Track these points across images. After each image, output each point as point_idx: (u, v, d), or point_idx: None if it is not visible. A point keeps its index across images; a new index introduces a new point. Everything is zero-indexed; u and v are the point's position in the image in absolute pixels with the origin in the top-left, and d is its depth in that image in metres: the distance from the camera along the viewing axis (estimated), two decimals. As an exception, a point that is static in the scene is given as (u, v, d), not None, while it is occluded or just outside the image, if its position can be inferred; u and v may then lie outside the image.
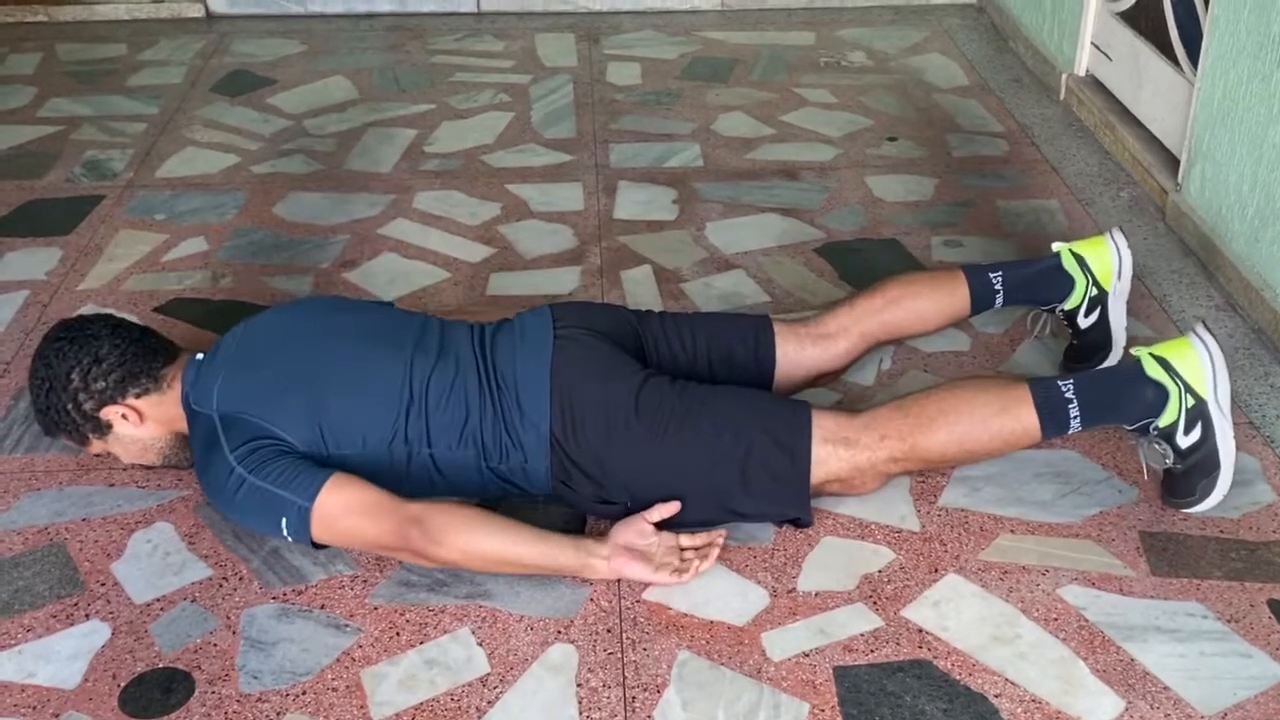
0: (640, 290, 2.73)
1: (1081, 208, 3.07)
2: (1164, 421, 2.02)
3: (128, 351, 2.04)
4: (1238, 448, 2.16)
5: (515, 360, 2.04)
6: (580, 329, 2.09)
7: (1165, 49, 3.13)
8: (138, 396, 2.05)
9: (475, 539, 1.88)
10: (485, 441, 1.99)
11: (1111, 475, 2.17)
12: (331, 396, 1.97)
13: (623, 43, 4.22)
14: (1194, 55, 2.93)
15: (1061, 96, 3.68)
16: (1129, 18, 3.34)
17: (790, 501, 2.00)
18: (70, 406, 2.03)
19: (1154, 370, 2.03)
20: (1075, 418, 2.00)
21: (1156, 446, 2.06)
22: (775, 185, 3.21)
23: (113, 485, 2.17)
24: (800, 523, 2.04)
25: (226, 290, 2.75)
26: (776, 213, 3.07)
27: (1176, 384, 2.01)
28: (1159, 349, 2.05)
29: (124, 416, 2.05)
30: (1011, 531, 2.05)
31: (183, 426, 2.07)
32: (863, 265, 2.82)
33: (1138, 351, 2.07)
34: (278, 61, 4.06)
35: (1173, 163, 3.03)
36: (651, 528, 1.96)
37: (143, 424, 2.06)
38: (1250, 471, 2.18)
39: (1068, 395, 2.01)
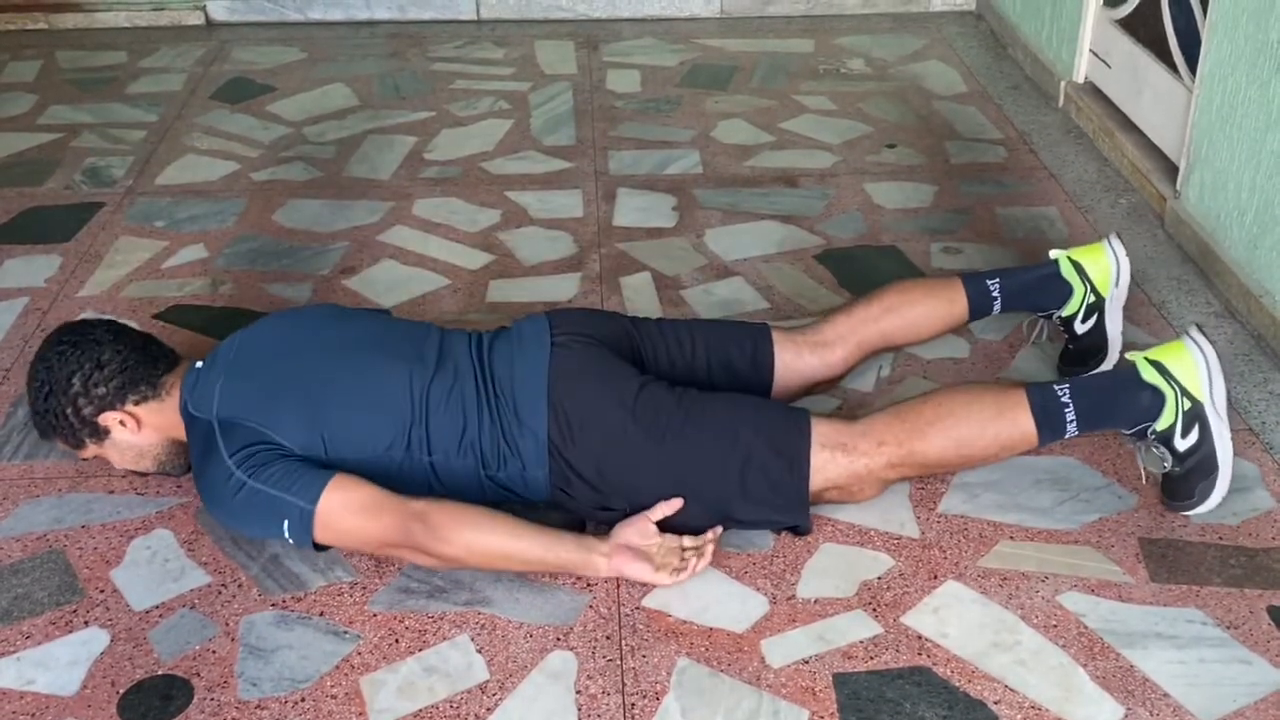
0: (640, 297, 2.73)
1: (1080, 215, 3.07)
2: (1161, 425, 2.02)
3: (129, 358, 2.05)
4: (1237, 454, 2.16)
5: (513, 368, 2.04)
6: (577, 336, 2.09)
7: (1164, 56, 3.14)
8: (136, 403, 2.05)
9: (478, 535, 1.89)
10: (484, 450, 1.98)
11: (1111, 482, 2.17)
12: (333, 408, 1.97)
13: (622, 50, 4.22)
14: (1192, 62, 2.93)
15: (1060, 104, 3.69)
16: (1128, 25, 3.35)
17: (789, 509, 2.00)
18: (69, 411, 2.03)
19: (1149, 374, 2.03)
20: (1071, 422, 2.01)
21: (1155, 450, 2.06)
22: (775, 192, 3.22)
23: (112, 492, 2.17)
24: (799, 530, 2.04)
25: (226, 297, 2.75)
26: (776, 220, 3.08)
27: (1172, 388, 2.01)
28: (1154, 353, 2.06)
29: (122, 423, 2.05)
30: (1011, 538, 2.05)
31: (179, 434, 2.07)
32: (862, 272, 2.82)
33: (1133, 356, 2.07)
34: (278, 69, 4.07)
35: (1171, 169, 3.03)
36: (653, 527, 1.96)
37: (140, 431, 2.06)
38: (1249, 478, 2.18)
39: (1064, 400, 2.01)
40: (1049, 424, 2.01)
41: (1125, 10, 3.35)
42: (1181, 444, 2.02)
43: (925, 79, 3.95)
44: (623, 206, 3.15)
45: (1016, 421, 2.01)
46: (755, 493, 1.98)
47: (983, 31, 4.36)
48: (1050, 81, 3.75)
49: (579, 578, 1.97)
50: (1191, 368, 2.02)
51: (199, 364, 2.07)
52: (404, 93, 3.86)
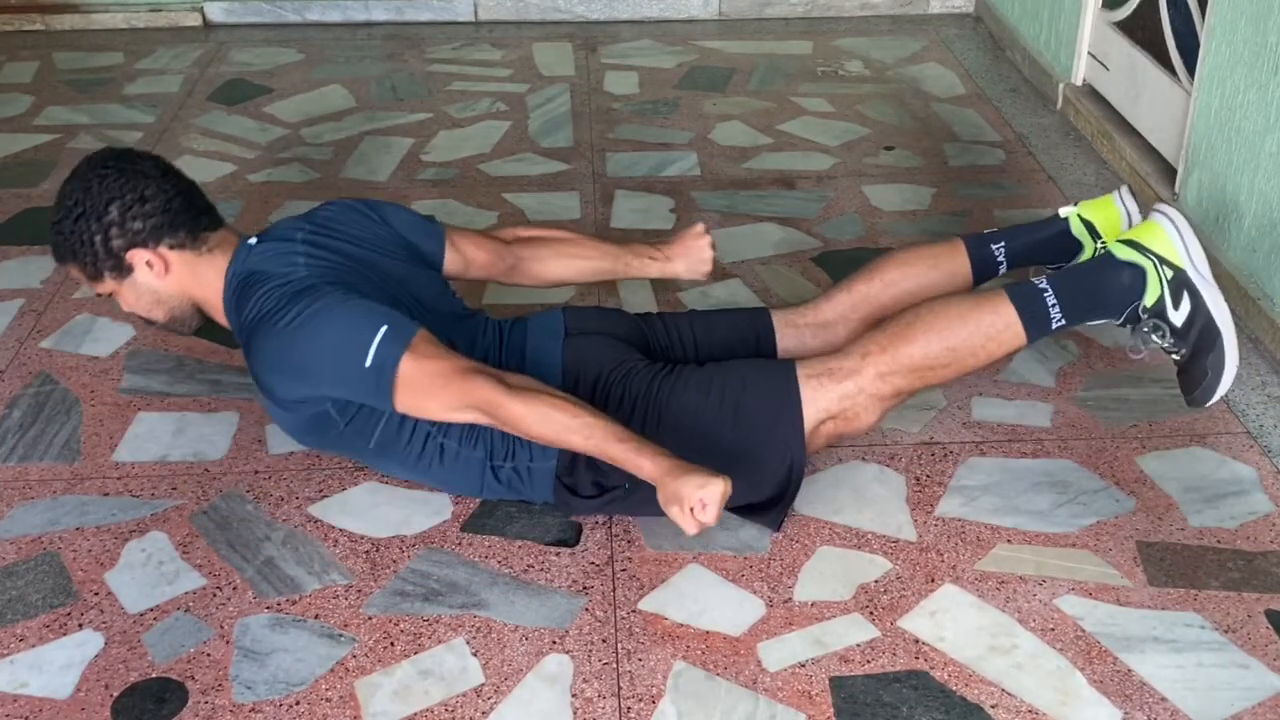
0: (637, 299, 2.73)
1: (1079, 217, 3.07)
2: (1149, 300, 2.01)
3: (175, 200, 1.96)
4: (1234, 457, 2.16)
5: (525, 358, 2.09)
6: (590, 329, 2.13)
7: (1162, 59, 3.13)
8: (171, 248, 1.97)
9: (549, 426, 1.83)
10: (494, 440, 1.99)
11: (1109, 485, 2.17)
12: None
13: (620, 52, 4.22)
14: (1191, 65, 2.93)
15: (1059, 106, 3.68)
16: (1126, 27, 3.34)
17: (788, 445, 1.98)
18: (98, 238, 1.93)
19: (1124, 252, 2.03)
20: (1054, 307, 1.99)
21: (1154, 334, 2.04)
22: (772, 194, 3.21)
23: (107, 494, 2.16)
24: (791, 484, 2.01)
25: (222, 299, 2.74)
26: (774, 222, 3.07)
27: (1149, 258, 2.01)
28: (1124, 234, 2.06)
29: (149, 264, 1.96)
30: (1008, 541, 2.05)
31: (202, 294, 2.02)
32: (860, 274, 2.81)
33: (1105, 241, 2.07)
34: (275, 70, 4.06)
35: (1170, 172, 3.03)
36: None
37: (166, 276, 1.99)
38: (1247, 481, 2.17)
39: (1042, 287, 2.01)
40: (1031, 311, 1.99)
41: (1124, 13, 3.35)
42: (1176, 316, 2.01)
43: (923, 81, 3.95)
44: (620, 208, 3.15)
45: (998, 309, 1.99)
46: (753, 434, 1.97)
47: (981, 34, 4.36)
48: (1049, 84, 3.75)
49: (574, 580, 1.96)
50: (1164, 237, 2.02)
51: (251, 240, 2.02)
52: (401, 94, 3.86)
